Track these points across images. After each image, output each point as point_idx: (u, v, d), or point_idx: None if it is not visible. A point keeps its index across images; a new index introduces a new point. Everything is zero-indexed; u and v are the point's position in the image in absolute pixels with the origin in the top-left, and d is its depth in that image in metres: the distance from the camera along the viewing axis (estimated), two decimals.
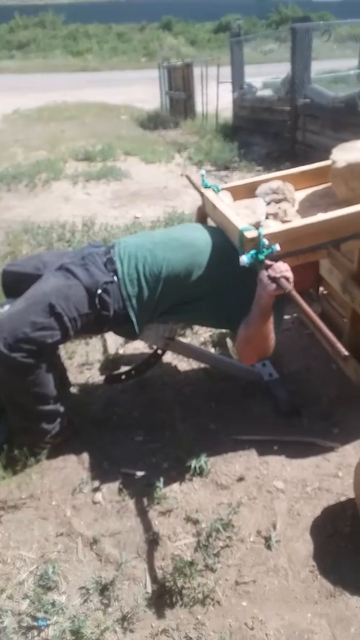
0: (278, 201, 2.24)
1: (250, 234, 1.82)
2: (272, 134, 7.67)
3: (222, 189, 2.34)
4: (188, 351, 2.42)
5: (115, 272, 1.94)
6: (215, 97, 9.22)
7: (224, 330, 2.86)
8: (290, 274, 1.73)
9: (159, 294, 1.94)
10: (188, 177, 2.63)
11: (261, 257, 1.78)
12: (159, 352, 2.37)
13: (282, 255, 1.83)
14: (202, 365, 2.57)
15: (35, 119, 11.39)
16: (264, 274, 1.73)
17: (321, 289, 2.88)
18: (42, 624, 1.51)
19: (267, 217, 2.14)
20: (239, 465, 2.03)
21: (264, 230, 1.83)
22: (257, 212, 2.13)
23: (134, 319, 1.95)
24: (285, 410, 2.29)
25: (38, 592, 1.59)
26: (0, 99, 14.70)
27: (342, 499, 1.87)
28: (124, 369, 2.53)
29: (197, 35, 32.67)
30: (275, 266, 1.73)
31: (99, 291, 1.89)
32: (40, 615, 1.53)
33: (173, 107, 11.76)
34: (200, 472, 1.98)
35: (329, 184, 2.36)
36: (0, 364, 1.82)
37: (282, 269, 1.73)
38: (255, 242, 1.80)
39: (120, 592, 1.59)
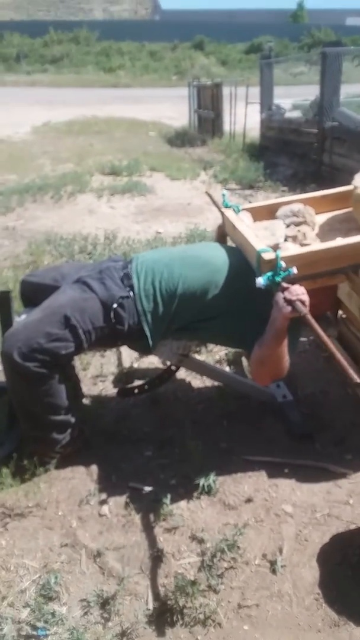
0: (298, 224, 2.24)
1: (268, 255, 1.82)
2: (298, 155, 7.69)
3: (243, 209, 2.35)
4: (202, 368, 2.42)
5: (131, 287, 1.96)
6: (243, 117, 9.30)
7: (239, 349, 2.85)
8: (306, 297, 1.72)
9: (174, 310, 1.95)
10: (209, 195, 2.64)
11: (278, 279, 1.78)
12: (173, 368, 2.37)
13: (299, 278, 1.83)
14: (216, 383, 2.56)
15: (65, 132, 11.59)
16: (279, 296, 1.73)
17: (340, 312, 2.86)
18: (42, 633, 1.51)
19: (286, 240, 2.14)
20: (247, 486, 2.01)
21: (282, 253, 1.83)
22: (276, 234, 2.13)
23: (148, 334, 1.96)
24: (298, 433, 2.27)
25: (39, 601, 1.59)
26: (32, 111, 15.02)
27: (352, 527, 1.84)
28: (137, 382, 2.53)
29: (228, 56, 33.07)
30: (291, 289, 1.73)
31: (115, 305, 1.91)
32: (40, 624, 1.52)
33: (201, 125, 11.88)
34: (208, 491, 1.97)
35: (350, 209, 2.36)
36: (13, 373, 1.84)
37: (299, 292, 1.72)
38: (273, 264, 1.80)
39: (121, 607, 1.58)
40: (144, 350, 2.10)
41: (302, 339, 2.83)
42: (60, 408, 1.96)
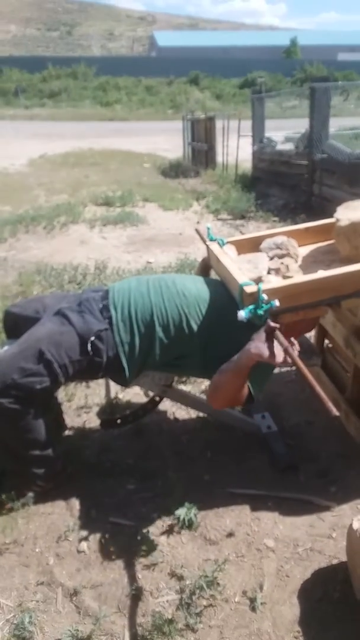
0: (281, 256, 2.25)
1: (250, 288, 1.82)
2: (289, 186, 7.80)
3: (227, 242, 2.36)
4: (186, 399, 2.40)
5: (110, 319, 1.96)
6: (236, 149, 9.46)
7: None
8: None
9: (151, 341, 1.95)
10: (197, 231, 2.66)
11: (260, 312, 1.78)
12: (157, 398, 2.35)
13: (281, 310, 1.83)
14: (200, 414, 2.54)
15: (60, 164, 11.75)
16: (262, 338, 1.70)
17: (326, 341, 2.86)
18: None
19: (269, 272, 2.14)
20: (229, 519, 1.98)
21: (264, 286, 1.83)
22: (259, 267, 2.14)
23: (125, 366, 1.95)
24: (282, 465, 2.24)
25: None
26: (29, 144, 15.26)
27: (334, 561, 1.80)
28: (121, 413, 2.51)
29: (223, 90, 33.80)
30: (281, 340, 1.68)
31: (92, 338, 1.91)
32: None
33: (195, 157, 12.08)
34: (189, 525, 1.93)
35: (333, 241, 2.38)
36: None
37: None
38: (255, 297, 1.80)
39: None
40: (124, 382, 2.09)
41: (288, 368, 2.82)
42: (39, 443, 1.93)
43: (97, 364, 1.92)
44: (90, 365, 1.92)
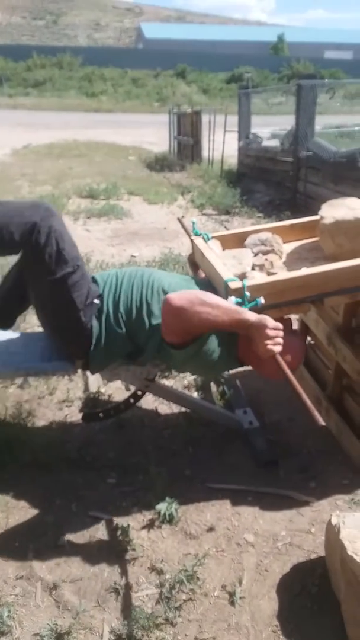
0: (265, 252, 2.26)
1: (234, 284, 1.83)
2: (274, 183, 7.82)
3: (212, 237, 2.36)
4: (168, 394, 2.40)
5: None
6: (222, 144, 9.45)
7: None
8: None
9: (117, 323, 1.96)
10: (180, 222, 2.65)
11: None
12: (139, 393, 2.35)
13: (265, 307, 1.83)
14: (183, 409, 2.54)
15: (44, 155, 11.63)
16: (269, 333, 1.65)
17: (308, 338, 2.88)
18: None
19: (253, 268, 2.15)
20: (210, 514, 1.99)
21: (248, 282, 1.83)
22: (244, 263, 2.15)
23: (93, 341, 1.96)
24: (263, 460, 2.26)
25: None
26: (13, 133, 15.07)
27: (313, 556, 1.82)
28: (103, 407, 2.50)
29: (209, 84, 33.70)
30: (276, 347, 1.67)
31: (95, 300, 1.97)
32: None
33: (181, 151, 12.04)
34: (170, 520, 1.93)
35: (317, 238, 2.39)
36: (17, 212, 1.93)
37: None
38: (239, 294, 1.81)
39: None
40: (93, 367, 2.07)
41: None
42: None
43: (81, 324, 1.94)
44: (75, 321, 1.94)
